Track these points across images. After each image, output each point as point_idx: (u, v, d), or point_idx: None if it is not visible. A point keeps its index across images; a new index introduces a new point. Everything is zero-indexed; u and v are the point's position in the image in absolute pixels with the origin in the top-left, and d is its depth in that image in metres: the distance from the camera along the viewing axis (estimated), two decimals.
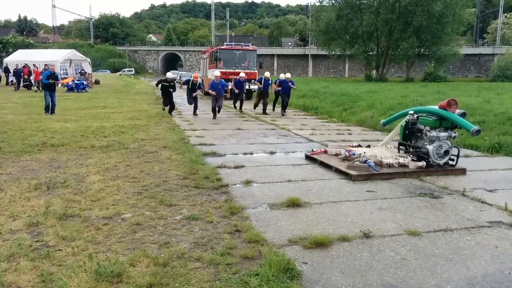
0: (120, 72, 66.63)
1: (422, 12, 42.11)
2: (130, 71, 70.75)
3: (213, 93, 14.61)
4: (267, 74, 17.43)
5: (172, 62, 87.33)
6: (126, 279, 3.18)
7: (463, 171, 6.97)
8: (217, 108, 14.83)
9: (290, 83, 16.50)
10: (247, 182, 6.10)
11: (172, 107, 15.44)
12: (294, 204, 5.07)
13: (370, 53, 50.26)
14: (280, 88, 16.53)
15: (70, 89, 27.38)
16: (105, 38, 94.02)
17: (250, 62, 24.66)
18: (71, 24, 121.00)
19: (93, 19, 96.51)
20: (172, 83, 15.29)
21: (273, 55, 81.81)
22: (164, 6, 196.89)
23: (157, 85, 15.37)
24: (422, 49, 48.62)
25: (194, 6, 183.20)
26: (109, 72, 69.53)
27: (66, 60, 33.80)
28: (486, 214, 4.88)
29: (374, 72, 50.33)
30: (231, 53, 24.33)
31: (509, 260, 3.65)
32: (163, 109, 16.01)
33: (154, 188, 5.67)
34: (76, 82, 28.34)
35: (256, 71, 24.51)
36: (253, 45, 32.71)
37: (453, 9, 43.68)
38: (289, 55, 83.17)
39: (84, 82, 29.53)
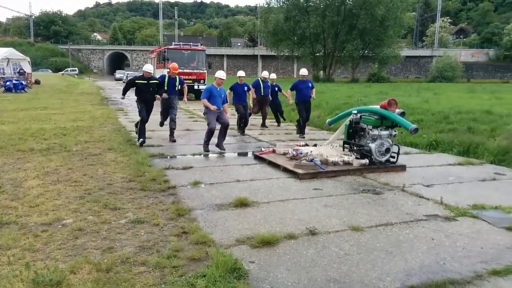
0: (62, 72, 63.77)
1: (366, 16, 43.77)
2: (73, 70, 67.94)
3: (213, 107, 8.48)
4: (265, 73, 13.12)
5: (118, 61, 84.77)
6: (66, 287, 3.04)
7: (403, 168, 7.31)
8: (222, 129, 8.80)
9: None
10: (195, 183, 6.04)
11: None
12: (242, 204, 5.09)
13: (317, 54, 51.55)
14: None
15: (7, 89, 25.80)
16: (46, 36, 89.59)
17: (199, 62, 24.48)
18: (9, 22, 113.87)
19: (33, 17, 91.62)
20: (157, 82, 9.64)
21: (223, 55, 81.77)
22: (109, 4, 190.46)
23: (127, 87, 9.65)
24: (366, 51, 50.56)
25: (141, 4, 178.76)
26: (50, 71, 66.33)
27: (3, 59, 31.87)
28: (423, 208, 5.15)
29: (321, 72, 51.63)
30: (179, 53, 24.00)
31: (443, 251, 3.87)
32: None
33: (97, 192, 5.47)
34: (14, 82, 26.74)
35: (205, 71, 24.37)
36: (202, 45, 32.46)
37: (395, 13, 45.77)
38: (239, 55, 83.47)
39: (23, 82, 27.94)
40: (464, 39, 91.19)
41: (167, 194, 5.53)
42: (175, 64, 10.61)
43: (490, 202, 5.31)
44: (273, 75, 13.77)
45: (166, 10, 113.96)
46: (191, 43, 26.13)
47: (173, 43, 27.98)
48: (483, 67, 76.64)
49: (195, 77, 23.81)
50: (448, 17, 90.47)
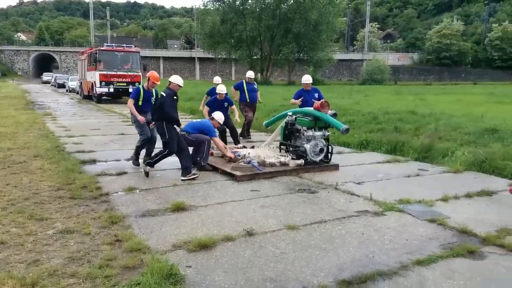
0: None
1: (300, 20, 45.01)
2: None
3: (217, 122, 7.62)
4: (250, 74, 11.16)
5: (46, 63, 79.86)
6: None
7: (336, 167, 7.60)
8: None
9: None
10: (130, 189, 5.86)
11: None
12: (179, 208, 5.02)
13: (255, 57, 52.13)
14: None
15: None
16: None
17: (134, 64, 23.74)
18: None
19: None
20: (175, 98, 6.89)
21: (159, 57, 80.00)
22: (35, 2, 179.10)
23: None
24: (301, 54, 51.99)
25: (69, 4, 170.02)
26: None
27: None
28: (354, 205, 5.39)
29: (259, 75, 52.30)
30: (112, 55, 23.13)
31: (372, 245, 4.08)
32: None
33: (22, 202, 5.12)
34: None
35: (140, 73, 23.72)
36: (136, 46, 31.56)
37: (327, 18, 47.51)
38: (176, 57, 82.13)
39: None
40: (391, 44, 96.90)
41: (100, 201, 5.30)
42: (154, 73, 7.60)
43: (414, 197, 5.68)
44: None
45: (98, 10, 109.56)
46: (125, 45, 25.28)
47: (105, 44, 26.90)
48: (408, 70, 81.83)
49: (129, 80, 23.09)
50: (376, 23, 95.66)
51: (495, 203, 5.52)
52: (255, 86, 10.97)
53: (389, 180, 6.83)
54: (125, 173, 6.86)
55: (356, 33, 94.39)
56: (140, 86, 7.62)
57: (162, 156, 6.80)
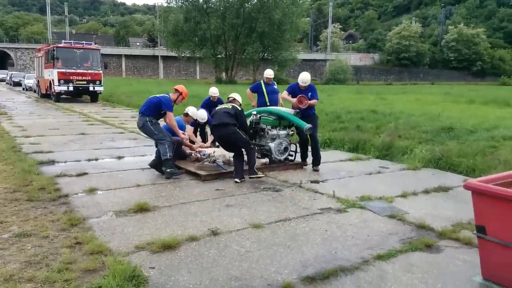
0: None
1: (264, 19, 45.23)
2: None
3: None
4: (269, 73, 8.94)
5: (0, 60, 76.30)
6: None
7: (300, 165, 7.70)
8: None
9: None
10: (91, 190, 5.70)
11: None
12: (142, 209, 4.93)
13: (219, 56, 51.89)
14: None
15: None
16: None
17: (94, 62, 23.09)
18: None
19: None
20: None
21: (121, 55, 78.02)
22: None
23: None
24: (265, 54, 52.23)
25: None
26: None
27: None
28: (318, 202, 5.48)
29: (223, 74, 52.18)
30: (71, 52, 22.39)
31: (335, 241, 4.16)
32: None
33: None
34: None
35: (101, 71, 23.11)
36: (96, 43, 30.70)
37: (291, 18, 47.97)
38: (138, 55, 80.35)
39: None
40: (353, 44, 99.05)
41: (59, 203, 5.13)
42: (184, 88, 7.26)
43: (375, 193, 5.84)
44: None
45: (55, 6, 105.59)
46: (84, 42, 24.56)
47: (63, 41, 26.01)
48: (370, 70, 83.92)
49: (90, 78, 22.46)
50: (338, 24, 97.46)
51: (451, 199, 5.76)
52: (275, 87, 8.95)
53: (351, 177, 6.99)
54: (86, 173, 6.66)
55: (319, 34, 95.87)
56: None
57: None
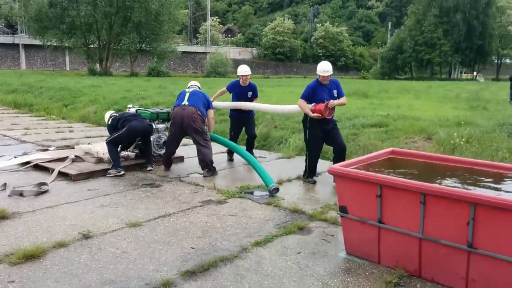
0: None
1: (140, 9, 43.51)
2: None
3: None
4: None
5: None
6: None
7: (181, 159, 7.60)
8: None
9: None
10: None
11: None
12: None
13: (91, 46, 48.49)
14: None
15: None
16: None
17: None
18: None
19: None
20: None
21: None
22: None
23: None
24: (143, 45, 50.33)
25: None
26: None
27: None
28: (199, 195, 5.47)
29: (97, 66, 48.91)
30: None
31: (215, 233, 4.20)
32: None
33: None
34: None
35: None
36: None
37: (168, 9, 46.91)
38: None
39: None
40: (232, 38, 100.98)
41: None
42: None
43: (254, 183, 6.06)
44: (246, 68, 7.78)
45: None
46: None
47: None
48: (248, 64, 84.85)
49: None
50: (217, 17, 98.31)
51: (320, 183, 6.25)
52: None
53: (232, 168, 7.14)
54: None
55: (199, 26, 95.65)
56: None
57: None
